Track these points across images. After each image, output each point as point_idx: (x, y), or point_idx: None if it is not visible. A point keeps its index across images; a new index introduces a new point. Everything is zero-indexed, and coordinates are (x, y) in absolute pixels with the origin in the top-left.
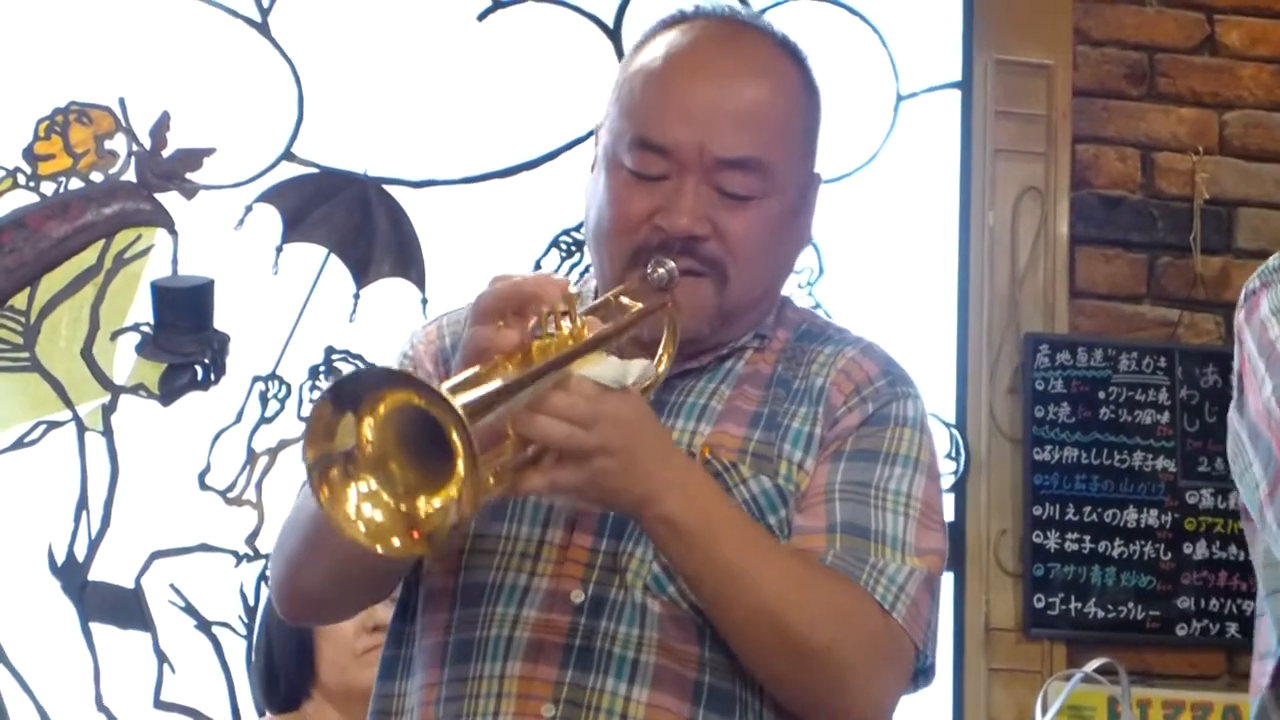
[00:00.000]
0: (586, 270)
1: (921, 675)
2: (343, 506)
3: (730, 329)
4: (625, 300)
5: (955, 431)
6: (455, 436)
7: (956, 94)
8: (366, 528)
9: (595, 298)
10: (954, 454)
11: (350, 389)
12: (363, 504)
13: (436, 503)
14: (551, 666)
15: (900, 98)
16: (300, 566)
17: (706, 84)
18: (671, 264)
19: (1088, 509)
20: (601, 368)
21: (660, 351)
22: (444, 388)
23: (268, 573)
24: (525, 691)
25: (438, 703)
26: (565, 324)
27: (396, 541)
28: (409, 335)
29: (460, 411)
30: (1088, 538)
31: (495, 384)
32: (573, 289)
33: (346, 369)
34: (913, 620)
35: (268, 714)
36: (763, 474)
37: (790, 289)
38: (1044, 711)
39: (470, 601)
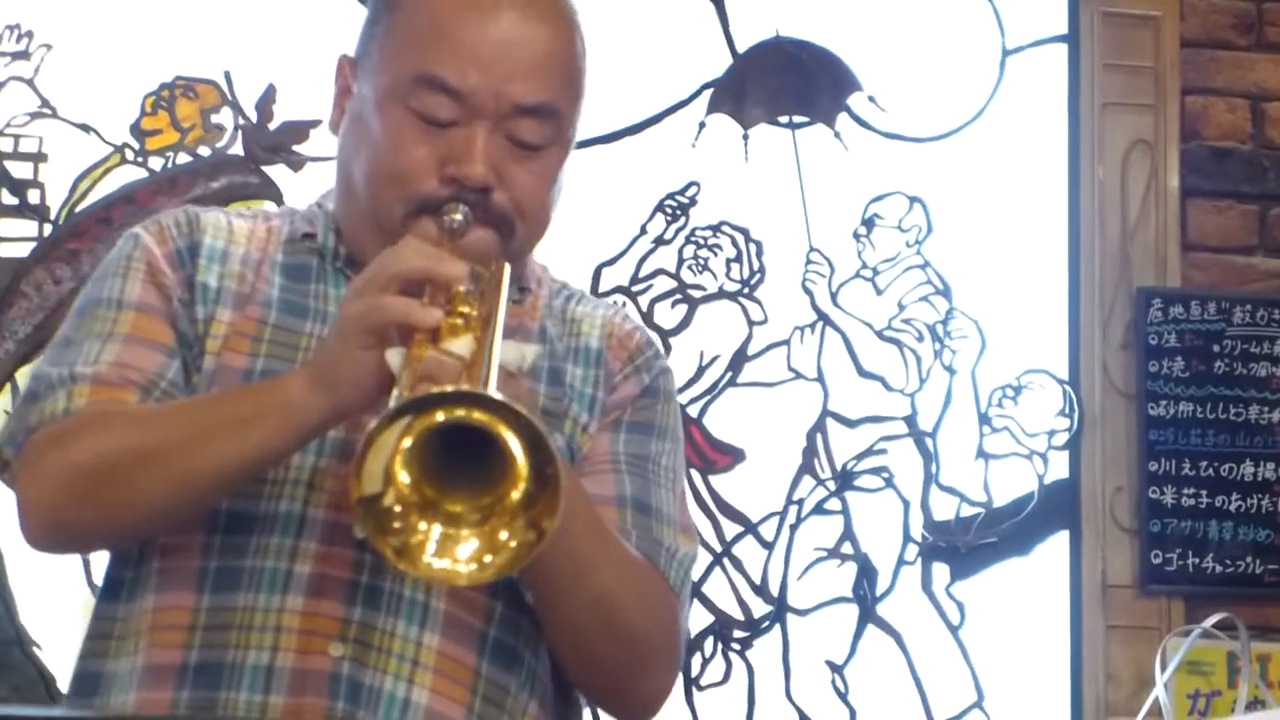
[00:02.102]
0: (693, 234)
1: None
2: (426, 562)
3: None
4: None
5: (1068, 388)
6: (506, 423)
7: (1063, 47)
8: (491, 559)
9: (337, 242)
10: (1068, 411)
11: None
12: (449, 549)
13: (516, 494)
14: (337, 603)
15: (1006, 52)
16: (118, 492)
17: (501, 26)
18: (466, 209)
19: (1204, 463)
20: (505, 353)
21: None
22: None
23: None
24: (308, 628)
25: (193, 629)
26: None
27: (514, 543)
28: (131, 244)
29: (503, 399)
30: (1204, 492)
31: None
32: (304, 225)
33: None
34: (686, 601)
35: None
36: (555, 432)
37: (899, 247)
38: (1163, 668)
39: (237, 528)
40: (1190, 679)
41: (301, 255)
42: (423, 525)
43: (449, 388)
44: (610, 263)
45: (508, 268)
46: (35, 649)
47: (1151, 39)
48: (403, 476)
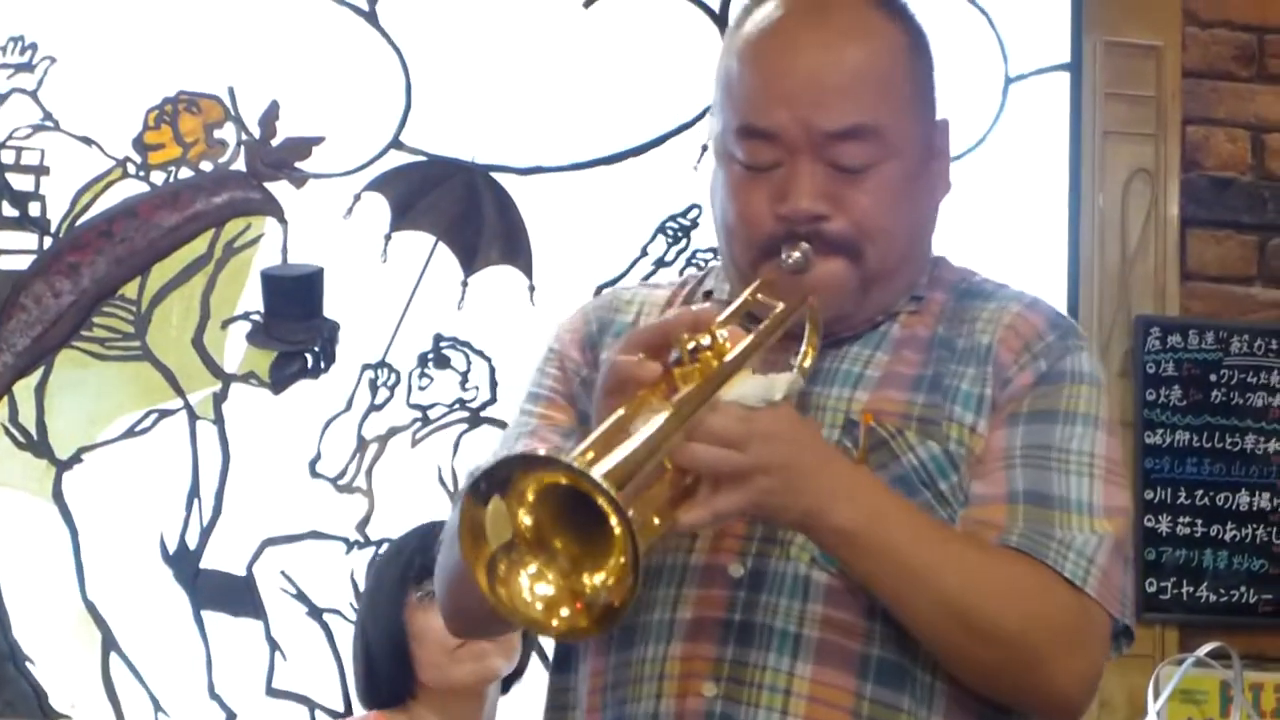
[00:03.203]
0: (693, 256)
1: (1121, 638)
2: (518, 597)
3: (877, 299)
4: (762, 298)
5: None
6: (607, 510)
7: (1065, 76)
8: (543, 605)
9: (729, 295)
10: None
11: (493, 478)
12: (534, 584)
13: (599, 577)
14: (711, 644)
15: (1009, 80)
16: (460, 588)
17: (800, 58)
18: (806, 245)
19: (1199, 492)
20: (748, 387)
21: (804, 346)
22: (582, 457)
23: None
24: (686, 671)
25: (603, 690)
26: (706, 340)
27: (565, 612)
28: (555, 328)
29: (606, 486)
30: (1199, 521)
31: (634, 447)
32: (706, 291)
33: (455, 356)
34: (1105, 590)
35: (373, 711)
36: (931, 439)
37: None
38: (1156, 696)
39: None
40: (1183, 707)
41: None
42: (529, 558)
43: (541, 451)
44: (610, 283)
45: (808, 295)
46: (29, 664)
47: (1153, 69)
48: (524, 518)
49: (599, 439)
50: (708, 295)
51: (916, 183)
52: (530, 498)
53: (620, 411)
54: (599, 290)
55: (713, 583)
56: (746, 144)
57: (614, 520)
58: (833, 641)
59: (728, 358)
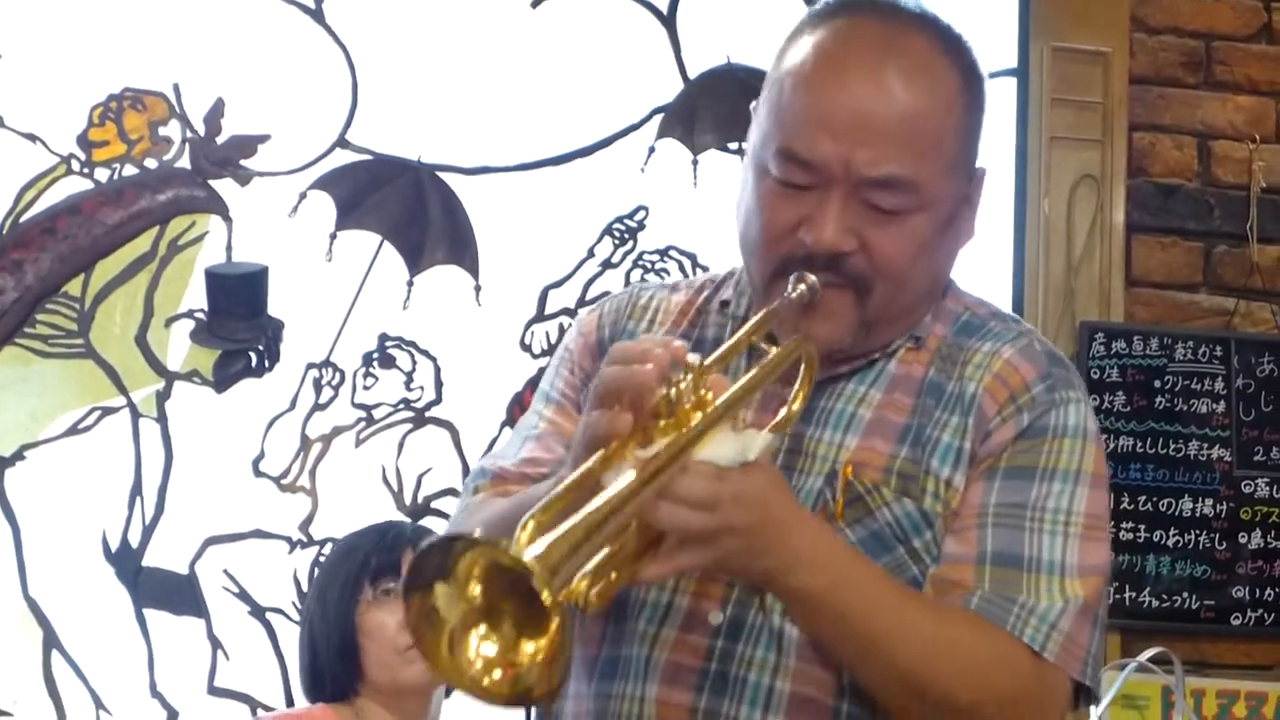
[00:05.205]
0: (640, 258)
1: (1082, 698)
2: (464, 664)
3: (875, 338)
4: (756, 340)
5: None
6: (541, 593)
7: (1013, 81)
8: (483, 669)
9: (745, 308)
10: None
11: (431, 564)
12: (480, 647)
13: (535, 649)
14: (687, 691)
15: None
16: None
17: (854, 95)
18: (813, 279)
19: (1143, 498)
20: (723, 446)
21: (796, 389)
22: (523, 529)
23: None
24: (662, 715)
25: (585, 716)
26: (687, 385)
27: (499, 676)
28: (572, 331)
29: (538, 571)
30: (1143, 527)
31: (582, 520)
32: (726, 293)
33: (400, 356)
34: (1068, 654)
35: (320, 704)
36: (907, 496)
37: None
38: (1097, 701)
39: (619, 617)
40: (1125, 713)
41: (711, 328)
42: (479, 624)
43: (477, 533)
44: (557, 285)
45: (801, 346)
46: None
47: (1101, 75)
48: (473, 590)
49: (554, 501)
50: (724, 305)
51: (942, 235)
52: (475, 572)
53: (589, 463)
54: (545, 293)
55: (692, 628)
56: (785, 165)
57: (546, 601)
58: (804, 694)
59: (706, 412)
